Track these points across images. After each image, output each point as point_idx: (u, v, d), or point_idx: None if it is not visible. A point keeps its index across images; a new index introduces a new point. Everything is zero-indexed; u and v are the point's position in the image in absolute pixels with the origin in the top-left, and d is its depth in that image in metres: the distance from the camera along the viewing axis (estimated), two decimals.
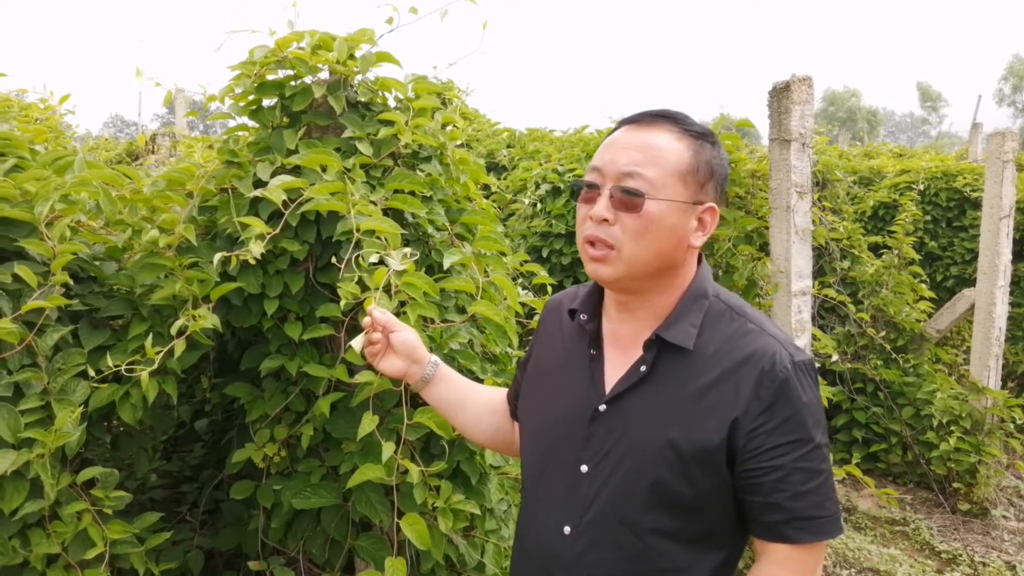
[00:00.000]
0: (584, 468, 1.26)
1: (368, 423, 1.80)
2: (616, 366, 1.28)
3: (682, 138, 1.21)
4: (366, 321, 1.48)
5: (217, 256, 1.80)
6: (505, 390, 1.62)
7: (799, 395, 1.17)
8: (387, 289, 1.79)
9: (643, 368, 1.23)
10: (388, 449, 1.77)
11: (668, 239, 1.20)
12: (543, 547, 1.30)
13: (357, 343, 1.48)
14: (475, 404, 1.58)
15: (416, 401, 2.02)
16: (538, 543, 1.32)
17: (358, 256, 1.82)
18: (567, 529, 1.26)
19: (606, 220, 1.19)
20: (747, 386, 1.17)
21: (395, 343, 1.49)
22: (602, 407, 1.26)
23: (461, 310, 2.14)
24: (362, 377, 1.88)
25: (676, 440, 1.18)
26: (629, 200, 1.18)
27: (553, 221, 4.68)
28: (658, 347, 1.23)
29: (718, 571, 1.23)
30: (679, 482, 1.18)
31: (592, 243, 1.22)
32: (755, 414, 1.16)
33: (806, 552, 1.19)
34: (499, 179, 5.80)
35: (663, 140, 1.20)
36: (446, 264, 2.03)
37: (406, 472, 1.85)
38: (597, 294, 1.35)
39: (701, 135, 1.22)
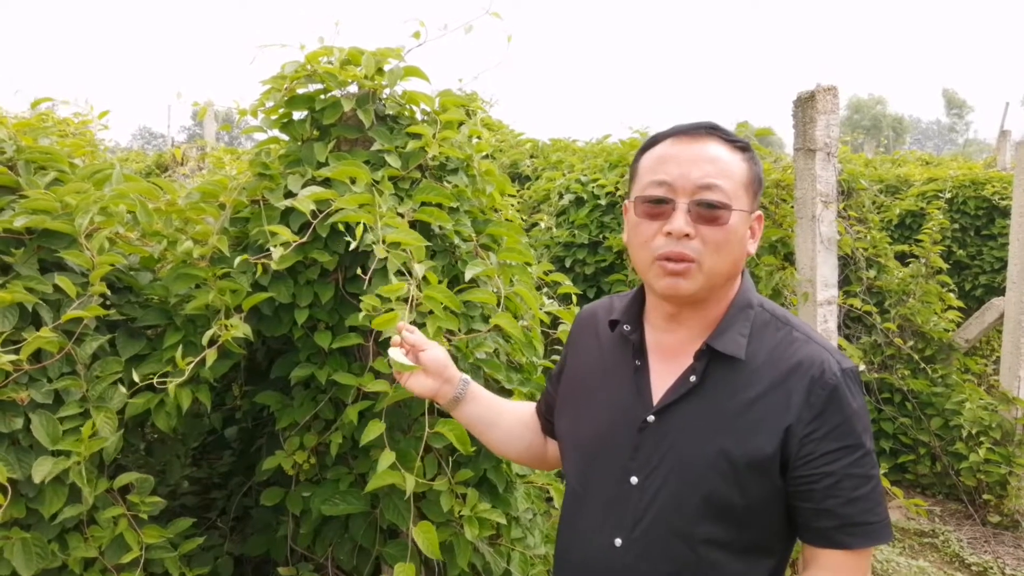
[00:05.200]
0: (634, 480, 1.25)
1: (374, 429, 1.81)
2: (662, 376, 1.28)
3: (734, 151, 1.23)
4: (395, 339, 1.46)
5: (238, 259, 1.84)
6: (534, 404, 1.61)
7: (849, 402, 1.18)
8: (407, 301, 1.82)
9: (693, 378, 1.23)
10: (388, 458, 1.78)
11: (739, 249, 1.23)
12: (592, 560, 1.29)
13: (398, 355, 1.45)
14: (506, 421, 1.56)
15: (441, 410, 2.05)
16: (587, 556, 1.30)
17: (386, 269, 1.85)
18: (618, 541, 1.25)
19: (687, 235, 1.18)
20: (798, 394, 1.18)
21: (425, 362, 1.46)
22: (650, 418, 1.25)
23: (487, 319, 2.17)
24: (377, 386, 1.90)
25: (729, 451, 1.18)
26: (712, 213, 1.18)
27: (576, 231, 4.69)
28: (708, 357, 1.23)
29: None
30: (732, 493, 1.19)
31: (668, 259, 1.19)
32: (807, 421, 1.17)
33: (857, 558, 1.19)
34: (522, 189, 5.83)
35: (724, 153, 1.22)
36: (468, 276, 2.05)
37: (433, 479, 1.87)
38: (638, 304, 1.35)
39: (745, 147, 1.25)
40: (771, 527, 1.23)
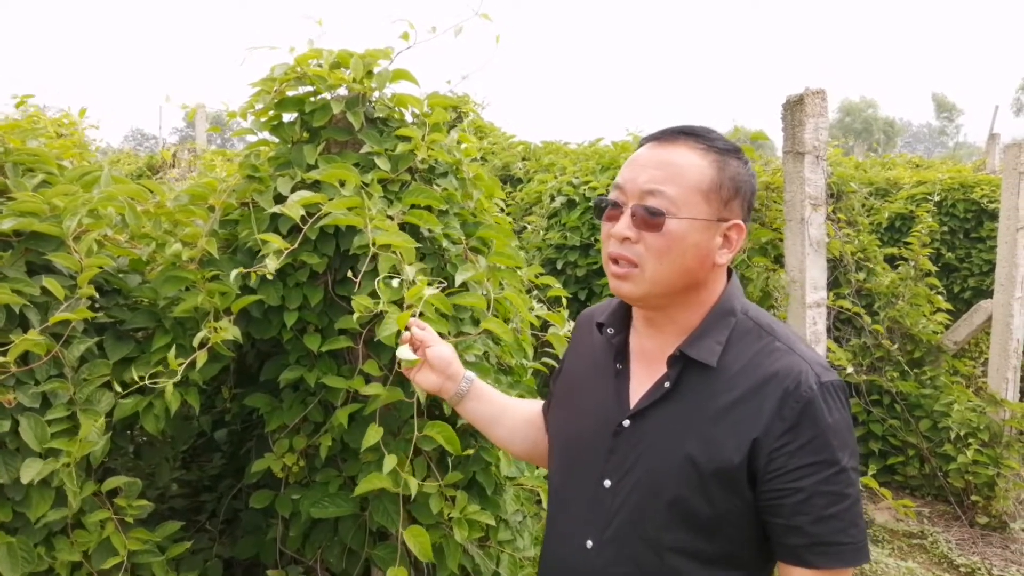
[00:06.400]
0: (607, 483, 1.25)
1: (373, 434, 1.82)
2: (642, 381, 1.28)
3: (706, 154, 1.20)
4: (405, 335, 1.51)
5: (234, 272, 1.84)
6: (542, 403, 1.62)
7: (824, 416, 1.14)
8: (400, 303, 1.82)
9: (666, 384, 1.23)
10: (391, 461, 1.79)
11: (692, 257, 1.19)
12: (565, 560, 1.29)
13: (405, 352, 1.50)
14: (510, 419, 1.57)
15: (432, 413, 2.05)
16: (560, 556, 1.31)
17: (375, 271, 1.86)
18: (589, 543, 1.26)
19: (628, 238, 1.19)
20: (770, 406, 1.15)
21: (431, 358, 1.51)
22: (626, 422, 1.25)
23: (476, 322, 2.17)
24: (371, 389, 1.91)
25: (696, 458, 1.17)
26: (650, 219, 1.17)
27: (568, 233, 4.70)
28: (682, 364, 1.22)
29: None
30: (698, 501, 1.17)
31: (615, 261, 1.21)
32: (777, 434, 1.14)
33: None
34: (514, 191, 5.84)
35: (685, 157, 1.19)
36: (458, 280, 2.06)
37: (423, 481, 1.87)
38: (626, 308, 1.35)
39: (726, 151, 1.22)
40: (743, 541, 1.20)
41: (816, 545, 1.14)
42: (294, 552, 2.16)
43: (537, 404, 1.63)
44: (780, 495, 1.14)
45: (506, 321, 2.30)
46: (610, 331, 1.34)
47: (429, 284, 1.80)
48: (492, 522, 2.04)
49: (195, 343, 1.80)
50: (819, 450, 1.13)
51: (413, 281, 1.87)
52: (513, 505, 2.26)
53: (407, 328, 1.52)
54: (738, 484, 1.16)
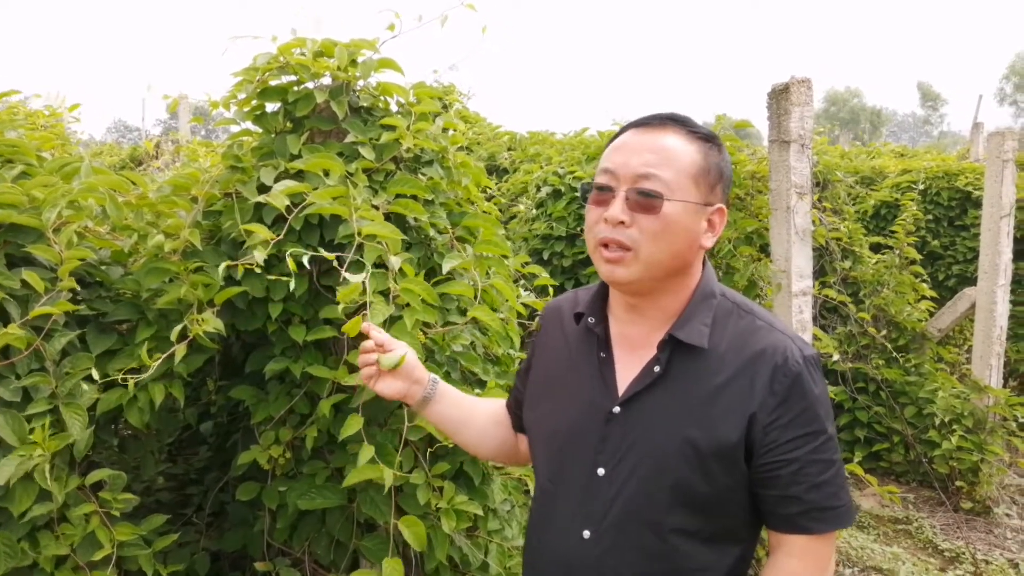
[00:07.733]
0: (601, 471, 1.25)
1: (353, 424, 1.80)
2: (627, 367, 1.29)
3: (692, 141, 1.23)
4: (367, 344, 1.43)
5: (221, 266, 1.82)
6: (504, 401, 1.60)
7: (811, 388, 1.19)
8: (386, 294, 1.81)
9: (657, 368, 1.24)
10: (367, 452, 1.75)
11: (683, 240, 1.21)
12: (562, 553, 1.29)
13: (389, 359, 1.42)
14: (479, 419, 1.55)
15: None
16: (556, 549, 1.30)
17: (361, 261, 1.84)
18: (587, 533, 1.26)
19: (622, 222, 1.19)
20: (762, 381, 1.19)
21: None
22: (616, 409, 1.26)
23: (463, 312, 2.16)
24: (356, 379, 1.89)
25: (695, 439, 1.19)
26: (647, 202, 1.18)
27: (554, 224, 4.69)
28: (672, 347, 1.24)
29: (737, 566, 1.25)
30: (699, 481, 1.20)
31: (606, 245, 1.21)
32: (770, 408, 1.18)
33: (822, 542, 1.21)
34: (500, 182, 5.82)
35: (674, 142, 1.22)
36: (445, 268, 2.04)
37: (410, 472, 1.86)
38: (602, 296, 1.35)
39: (708, 138, 1.24)
40: (739, 514, 1.24)
41: (812, 511, 1.19)
42: (281, 544, 2.15)
43: (499, 403, 1.61)
44: (775, 467, 1.19)
45: (493, 310, 2.30)
46: (591, 320, 1.34)
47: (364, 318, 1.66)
48: (480, 512, 2.03)
49: (174, 336, 1.78)
50: (809, 421, 1.18)
51: (400, 271, 1.86)
52: (501, 494, 2.25)
53: (365, 334, 1.43)
54: (736, 460, 1.20)
